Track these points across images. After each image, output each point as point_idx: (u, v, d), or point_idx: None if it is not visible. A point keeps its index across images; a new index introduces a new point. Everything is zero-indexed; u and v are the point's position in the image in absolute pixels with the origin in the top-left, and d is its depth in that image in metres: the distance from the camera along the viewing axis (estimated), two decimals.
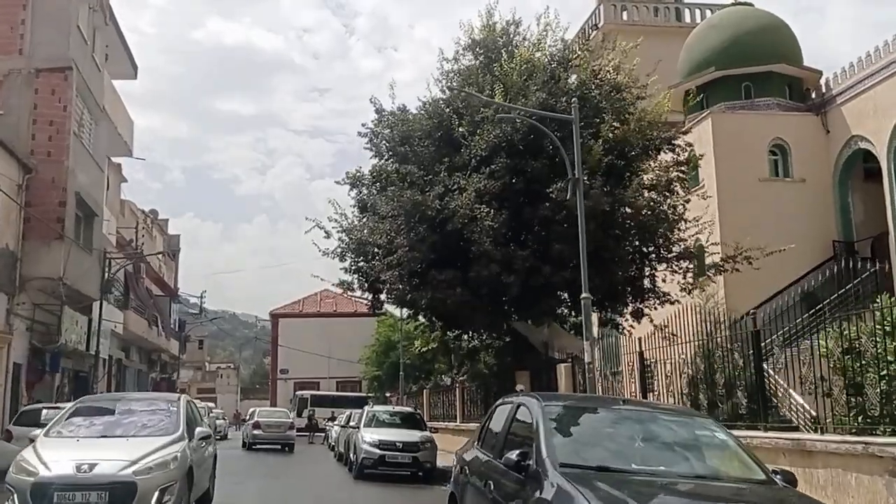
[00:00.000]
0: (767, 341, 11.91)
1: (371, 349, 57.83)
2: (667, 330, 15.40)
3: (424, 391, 34.65)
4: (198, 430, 10.36)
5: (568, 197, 15.20)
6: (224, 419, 48.83)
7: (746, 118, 29.51)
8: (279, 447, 29.87)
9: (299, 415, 55.20)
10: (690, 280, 19.78)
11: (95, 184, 26.58)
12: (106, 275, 28.13)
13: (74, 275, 23.53)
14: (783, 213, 27.21)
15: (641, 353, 13.58)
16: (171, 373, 51.52)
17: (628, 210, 18.58)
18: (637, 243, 19.02)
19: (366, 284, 21.77)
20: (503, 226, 17.96)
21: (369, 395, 54.19)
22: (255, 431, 30.51)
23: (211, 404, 55.29)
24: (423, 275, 18.96)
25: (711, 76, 30.73)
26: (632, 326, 20.93)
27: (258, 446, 29.79)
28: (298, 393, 58.03)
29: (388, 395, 49.89)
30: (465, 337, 23.85)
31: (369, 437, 18.87)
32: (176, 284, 59.67)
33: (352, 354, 59.95)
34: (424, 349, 26.19)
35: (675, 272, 19.66)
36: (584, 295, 13.88)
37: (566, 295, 19.18)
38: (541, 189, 18.67)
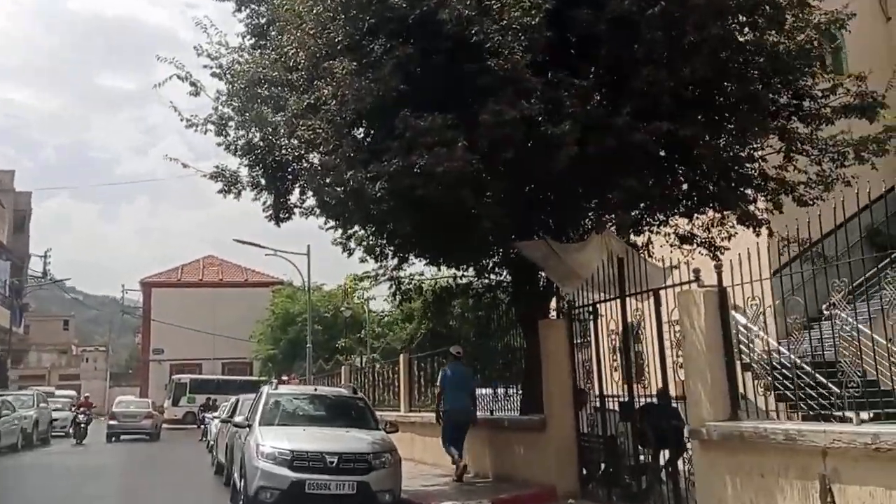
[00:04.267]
0: None
1: (265, 324, 49.33)
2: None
3: (343, 368, 25.27)
4: None
5: None
6: (73, 409, 38.00)
7: None
8: (144, 437, 30.27)
9: (176, 403, 45.98)
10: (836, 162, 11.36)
11: None
12: None
13: None
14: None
15: None
16: (6, 352, 40.01)
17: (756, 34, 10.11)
18: (766, 86, 10.32)
19: (262, 174, 12.34)
20: (541, 26, 9.04)
21: (262, 378, 44.99)
22: (112, 422, 30.65)
23: (70, 392, 44.41)
24: (383, 127, 9.78)
25: None
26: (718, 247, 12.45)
27: (118, 437, 30.17)
28: (175, 377, 48.64)
29: (284, 377, 40.61)
30: (425, 269, 14.64)
31: (271, 444, 9.63)
32: (27, 251, 48.17)
33: (242, 332, 51.46)
34: (365, 283, 16.24)
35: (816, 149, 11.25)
36: None
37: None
38: None
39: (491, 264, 14.29)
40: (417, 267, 14.79)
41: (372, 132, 10.30)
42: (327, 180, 10.48)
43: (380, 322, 38.48)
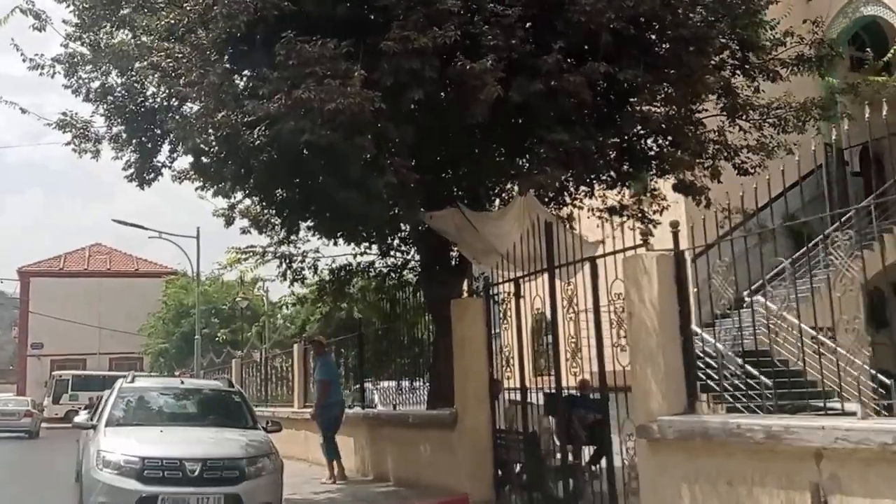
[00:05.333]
0: None
1: (157, 317, 46.34)
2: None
3: (234, 362, 23.08)
4: None
5: None
6: None
7: None
8: (24, 435, 29.11)
9: (56, 401, 42.56)
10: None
11: None
12: None
13: None
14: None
15: None
16: None
17: None
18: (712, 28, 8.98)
19: (124, 126, 10.31)
20: None
21: (152, 374, 42.11)
22: None
23: None
24: (262, 56, 7.93)
25: None
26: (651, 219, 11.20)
27: None
28: (56, 373, 44.91)
29: (177, 373, 37.99)
30: (322, 247, 12.73)
31: (118, 450, 7.67)
32: None
33: (132, 325, 48.01)
34: (251, 261, 13.92)
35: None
36: None
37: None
38: None
39: (397, 241, 12.67)
40: (313, 244, 12.99)
41: (248, 62, 8.41)
42: (196, 126, 8.56)
43: (278, 311, 36.15)
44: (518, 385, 8.72)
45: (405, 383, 12.22)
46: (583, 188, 11.25)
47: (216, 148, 9.12)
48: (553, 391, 8.24)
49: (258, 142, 8.00)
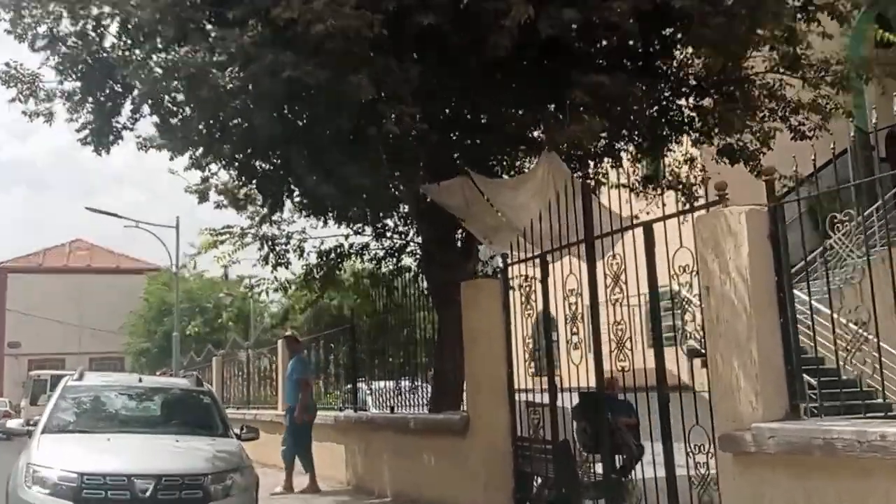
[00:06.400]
0: None
1: (138, 315, 44.80)
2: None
3: (214, 360, 21.48)
4: None
5: None
6: None
7: None
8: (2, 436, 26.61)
9: (34, 402, 40.75)
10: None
11: None
12: None
13: None
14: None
15: None
16: None
17: None
18: None
19: (81, 84, 8.79)
20: None
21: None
22: None
23: None
24: None
25: None
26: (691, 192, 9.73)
27: None
28: (34, 373, 43.06)
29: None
30: (309, 229, 11.16)
31: (55, 463, 6.14)
32: None
33: (114, 323, 46.34)
34: (228, 246, 12.12)
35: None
36: None
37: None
38: None
39: (394, 221, 11.20)
40: (298, 225, 11.47)
41: None
42: (157, 73, 7.05)
43: (261, 306, 34.39)
44: (533, 385, 7.29)
45: (405, 383, 10.71)
46: (607, 159, 9.80)
47: (182, 100, 7.60)
48: (589, 391, 6.76)
49: (230, 86, 6.48)
